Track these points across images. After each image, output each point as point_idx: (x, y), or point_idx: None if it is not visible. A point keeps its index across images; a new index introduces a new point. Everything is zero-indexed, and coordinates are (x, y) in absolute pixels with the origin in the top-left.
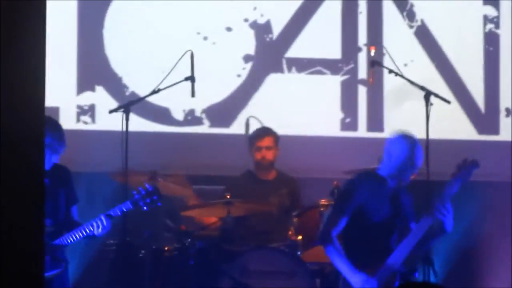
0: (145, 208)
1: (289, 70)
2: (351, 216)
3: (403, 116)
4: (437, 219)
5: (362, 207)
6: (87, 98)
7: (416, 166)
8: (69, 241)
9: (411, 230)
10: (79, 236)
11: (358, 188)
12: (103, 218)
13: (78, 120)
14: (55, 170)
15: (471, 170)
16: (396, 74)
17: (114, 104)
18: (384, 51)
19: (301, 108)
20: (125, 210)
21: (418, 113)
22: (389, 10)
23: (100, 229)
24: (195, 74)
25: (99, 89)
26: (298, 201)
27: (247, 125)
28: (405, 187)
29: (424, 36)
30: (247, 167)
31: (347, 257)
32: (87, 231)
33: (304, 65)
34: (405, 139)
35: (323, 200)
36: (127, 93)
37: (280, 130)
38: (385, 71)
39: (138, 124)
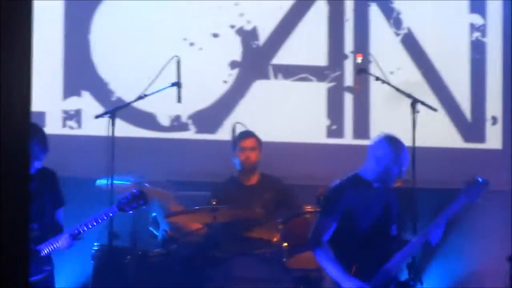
0: (130, 212)
1: (276, 76)
2: (340, 221)
3: (390, 124)
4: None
5: (350, 211)
6: (73, 103)
7: (401, 168)
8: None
9: (392, 233)
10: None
11: (345, 193)
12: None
13: (64, 125)
14: (41, 173)
15: (481, 189)
16: (383, 81)
17: (100, 109)
18: (371, 59)
19: (287, 115)
20: (111, 214)
21: (405, 120)
22: (376, 18)
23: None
24: (181, 80)
25: (85, 94)
26: (287, 200)
27: (233, 130)
28: (391, 189)
29: (411, 43)
30: (232, 173)
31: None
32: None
33: (290, 71)
34: (390, 141)
35: (308, 207)
36: (113, 99)
37: (266, 136)
38: (372, 78)
39: (124, 129)
